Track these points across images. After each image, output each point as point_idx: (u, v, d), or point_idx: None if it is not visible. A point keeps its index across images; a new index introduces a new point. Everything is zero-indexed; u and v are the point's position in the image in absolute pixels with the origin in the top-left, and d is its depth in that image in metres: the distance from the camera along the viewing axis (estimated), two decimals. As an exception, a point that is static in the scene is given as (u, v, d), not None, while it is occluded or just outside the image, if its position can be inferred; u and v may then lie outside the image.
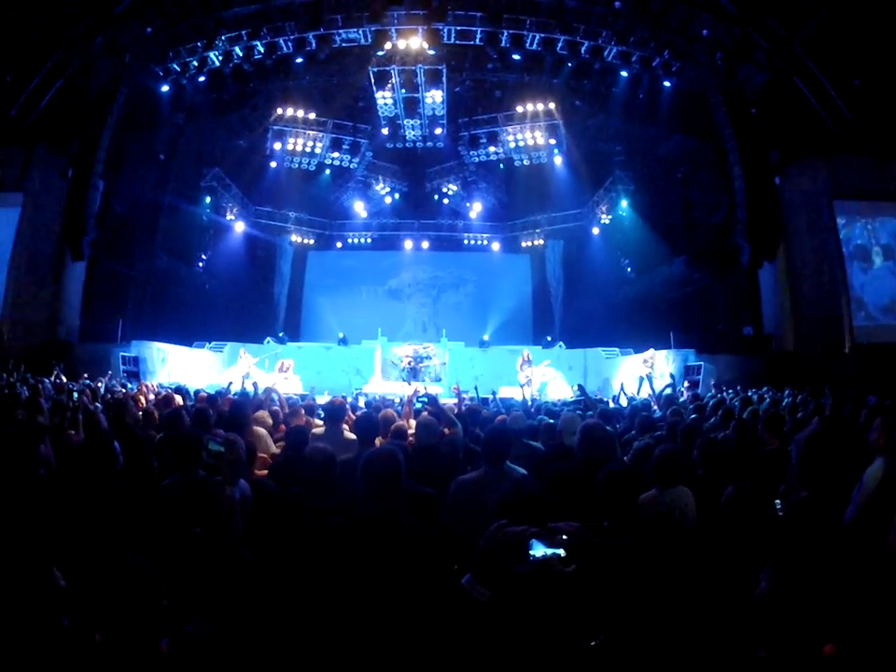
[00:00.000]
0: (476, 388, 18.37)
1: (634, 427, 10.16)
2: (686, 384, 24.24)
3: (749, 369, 25.81)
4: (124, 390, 16.47)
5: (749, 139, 28.30)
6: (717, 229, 30.30)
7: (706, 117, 29.03)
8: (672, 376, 23.12)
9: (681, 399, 16.34)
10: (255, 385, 15.22)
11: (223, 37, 23.94)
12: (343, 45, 25.46)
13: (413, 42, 25.32)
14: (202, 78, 25.45)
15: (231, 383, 18.33)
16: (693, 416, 10.84)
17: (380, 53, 26.01)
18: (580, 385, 18.91)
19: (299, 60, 25.76)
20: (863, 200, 29.43)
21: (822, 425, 7.66)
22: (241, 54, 24.58)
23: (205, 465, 5.70)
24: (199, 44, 24.09)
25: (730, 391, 18.68)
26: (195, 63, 24.65)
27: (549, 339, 33.29)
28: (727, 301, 31.03)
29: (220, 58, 24.57)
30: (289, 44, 24.68)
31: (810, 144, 27.91)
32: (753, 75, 27.79)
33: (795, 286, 29.20)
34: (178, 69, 24.63)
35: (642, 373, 25.38)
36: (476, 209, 35.91)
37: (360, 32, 25.03)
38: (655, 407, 14.10)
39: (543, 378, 28.73)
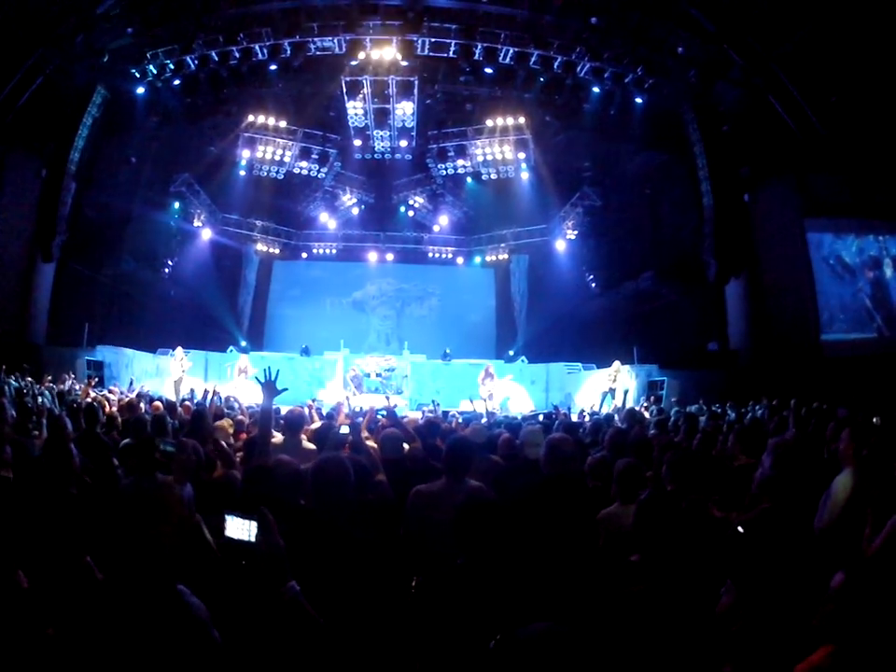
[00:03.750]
0: (434, 402, 19.23)
1: (599, 441, 10.41)
2: (644, 399, 25.55)
3: (714, 384, 26.41)
4: (91, 395, 16.66)
5: (720, 156, 29.49)
6: (684, 245, 31.35)
7: (677, 133, 30.37)
8: (612, 392, 25.43)
9: (645, 414, 17.13)
10: (214, 392, 15.80)
11: (200, 41, 24.77)
12: (318, 53, 26.37)
13: (387, 53, 26.34)
14: (177, 82, 26.26)
15: (192, 390, 19.40)
16: (652, 431, 11.54)
17: (353, 63, 26.81)
18: (555, 406, 19.98)
19: (273, 67, 26.47)
20: (835, 217, 30.52)
21: (794, 435, 8.74)
22: (217, 59, 25.38)
23: (164, 467, 6.19)
24: (176, 47, 24.90)
25: (694, 406, 19.60)
26: (171, 66, 25.43)
27: (511, 353, 35.01)
28: (693, 316, 32.01)
29: (196, 62, 25.28)
30: (265, 50, 25.49)
31: (782, 161, 29.00)
32: (727, 91, 28.91)
33: (763, 301, 30.34)
34: (155, 72, 25.42)
35: (605, 388, 26.43)
36: (442, 222, 37.11)
37: (335, 41, 25.99)
38: (617, 421, 14.25)
39: (505, 392, 29.72)
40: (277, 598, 3.46)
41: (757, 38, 26.81)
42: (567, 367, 31.75)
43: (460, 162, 33.45)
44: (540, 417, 17.00)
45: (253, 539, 3.52)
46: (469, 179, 35.12)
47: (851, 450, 6.43)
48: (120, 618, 3.32)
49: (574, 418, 18.90)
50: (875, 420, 11.74)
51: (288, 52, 25.93)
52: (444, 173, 34.34)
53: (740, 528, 4.54)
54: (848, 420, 9.12)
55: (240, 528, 3.57)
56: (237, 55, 25.48)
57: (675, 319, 32.44)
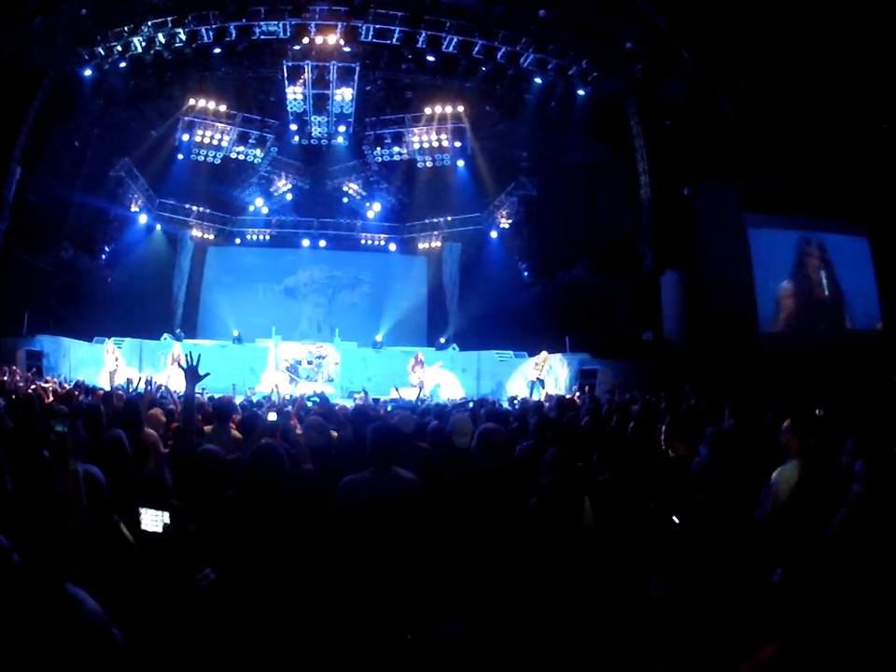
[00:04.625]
0: (364, 389, 20.03)
1: (525, 428, 10.30)
2: (576, 387, 25.05)
3: (648, 373, 26.68)
4: (32, 386, 16.71)
5: (662, 150, 29.95)
6: (620, 236, 31.74)
7: (618, 126, 30.71)
8: (540, 381, 26.21)
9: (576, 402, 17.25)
10: (149, 381, 16.04)
11: (150, 23, 24.66)
12: (262, 37, 26.35)
13: (331, 38, 26.49)
14: (123, 64, 25.93)
15: (129, 380, 19.12)
16: (586, 419, 11.45)
17: (296, 48, 26.96)
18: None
19: (217, 50, 26.45)
20: (774, 213, 31.22)
21: (732, 425, 9.04)
22: (163, 41, 25.26)
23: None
24: (126, 28, 24.78)
25: (626, 395, 19.17)
26: (119, 48, 25.27)
27: (443, 341, 35.29)
28: (627, 306, 32.58)
29: (144, 44, 25.14)
30: (210, 33, 25.43)
31: (725, 157, 29.51)
32: (674, 87, 29.10)
33: (701, 293, 30.83)
34: (103, 54, 25.14)
35: (533, 377, 27.21)
36: (375, 209, 37.12)
37: (280, 25, 25.97)
38: (547, 409, 14.35)
39: (436, 380, 30.19)
40: (192, 586, 3.57)
41: (708, 36, 27.00)
42: (498, 355, 32.05)
43: (396, 150, 33.87)
44: (470, 405, 16.58)
45: (167, 530, 3.61)
46: (403, 167, 35.37)
47: (795, 441, 6.57)
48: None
49: (505, 405, 19.28)
50: (817, 412, 11.57)
51: (233, 36, 25.82)
52: (380, 160, 34.64)
53: (676, 519, 4.79)
54: (789, 411, 9.06)
55: (153, 520, 3.68)
56: (183, 38, 25.41)
57: (609, 309, 33.20)
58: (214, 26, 25.32)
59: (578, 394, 22.52)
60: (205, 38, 25.64)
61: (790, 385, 20.35)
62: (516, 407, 17.20)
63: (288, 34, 26.35)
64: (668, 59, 28.14)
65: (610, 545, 4.74)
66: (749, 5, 24.93)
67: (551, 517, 4.68)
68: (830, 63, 25.56)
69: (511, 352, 31.99)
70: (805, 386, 19.26)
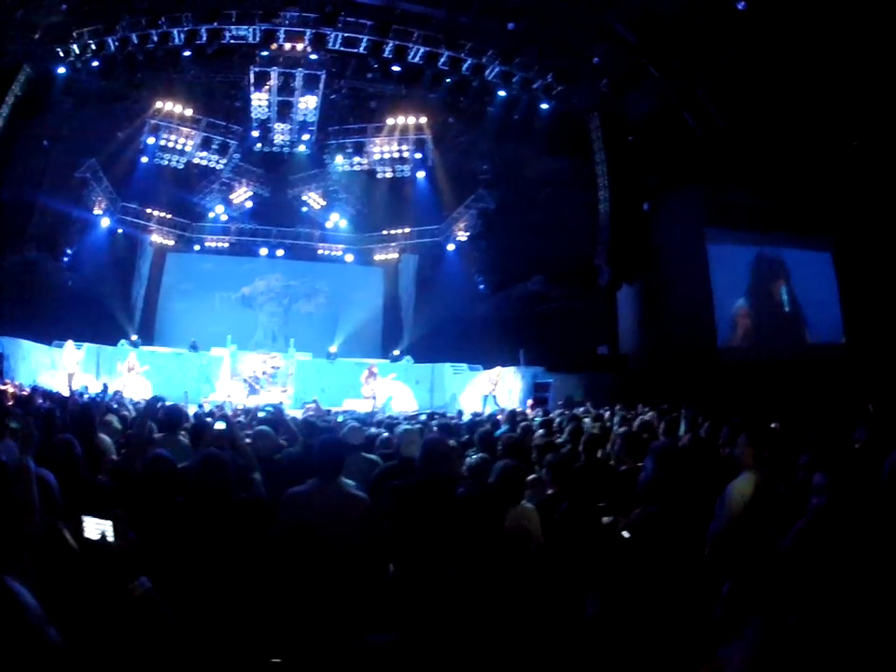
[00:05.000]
0: (315, 399, 19.72)
1: (475, 442, 10.54)
2: (530, 401, 25.58)
3: (603, 387, 26.90)
4: None
5: (622, 164, 30.48)
6: (578, 250, 32.10)
7: (580, 140, 31.29)
8: (493, 396, 26.55)
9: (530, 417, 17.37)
10: (104, 387, 16.93)
11: (125, 22, 24.52)
12: (232, 42, 26.45)
13: (299, 45, 26.81)
14: (95, 63, 25.73)
15: (86, 386, 20.20)
16: (540, 432, 11.31)
17: (264, 53, 27.11)
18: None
19: (187, 53, 26.37)
20: (735, 228, 31.85)
21: (674, 439, 9.17)
22: (136, 41, 25.16)
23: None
24: (101, 26, 24.61)
25: (580, 408, 19.43)
26: (94, 47, 25.08)
27: (397, 353, 35.65)
28: (583, 320, 32.77)
29: (117, 43, 24.96)
30: (182, 35, 25.51)
31: (686, 172, 30.09)
32: (640, 102, 29.87)
33: (658, 308, 31.54)
34: (78, 52, 25.02)
35: (486, 391, 27.71)
36: (334, 219, 37.27)
37: (251, 30, 26.11)
38: (503, 422, 14.54)
39: (389, 392, 30.03)
40: (127, 594, 3.60)
41: (676, 52, 27.51)
42: (453, 367, 32.51)
43: (357, 160, 34.13)
44: (422, 417, 17.20)
45: (109, 539, 3.70)
46: (364, 177, 35.57)
47: (750, 454, 6.67)
48: None
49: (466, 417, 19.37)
50: (773, 425, 11.93)
51: (204, 39, 25.94)
52: (340, 169, 34.74)
53: (625, 533, 4.99)
54: (744, 425, 9.33)
55: (96, 529, 3.75)
56: (156, 39, 25.31)
57: (564, 323, 33.18)
58: (186, 28, 25.38)
59: (531, 407, 23.50)
60: (177, 40, 25.65)
61: (748, 399, 21.08)
62: (470, 420, 17.22)
63: (258, 39, 26.48)
64: (635, 74, 28.61)
65: (555, 559, 5.03)
66: (717, 22, 25.23)
67: (490, 527, 4.92)
68: (798, 79, 26.26)
69: (465, 365, 32.38)
70: (764, 400, 19.86)
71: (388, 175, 34.70)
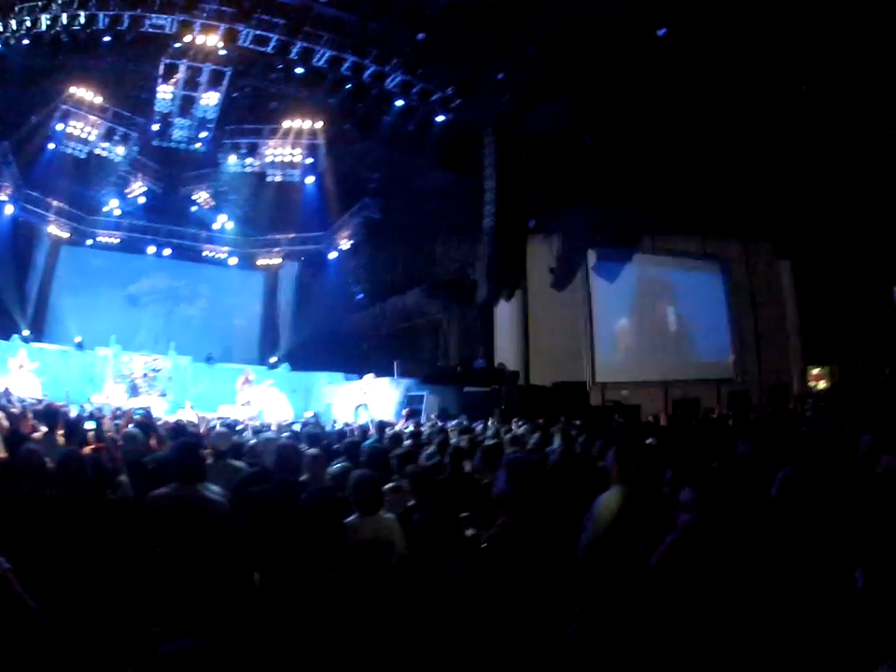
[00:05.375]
0: (190, 405, 22.21)
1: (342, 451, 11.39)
2: (405, 411, 27.80)
3: (479, 401, 29.62)
4: None
5: (512, 181, 33.05)
6: (457, 264, 35.38)
7: (471, 155, 33.79)
8: (364, 405, 28.76)
9: (399, 428, 18.99)
10: None
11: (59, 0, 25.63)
12: (150, 30, 27.35)
13: (211, 39, 27.94)
14: (26, 41, 26.89)
15: None
16: (406, 443, 12.39)
17: (177, 45, 28.50)
18: (315, 413, 23.54)
19: (107, 38, 27.29)
20: (621, 248, 36.07)
21: (534, 452, 9.86)
22: (65, 22, 26.19)
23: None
24: (40, 2, 25.66)
25: (453, 422, 20.98)
26: (28, 24, 26.18)
27: (274, 360, 37.74)
28: (460, 334, 36.04)
29: (49, 22, 26.01)
30: (107, 19, 26.28)
31: (577, 191, 33.17)
32: (538, 120, 32.72)
33: (538, 324, 34.99)
34: (14, 28, 26.22)
35: (359, 402, 30.16)
36: (221, 220, 39.11)
37: (169, 20, 27.22)
38: (373, 432, 16.38)
39: (265, 399, 32.06)
40: None
41: (586, 72, 30.04)
42: (329, 377, 34.50)
43: (249, 161, 36.11)
44: (296, 426, 19.08)
45: None
46: (254, 179, 37.46)
47: (617, 469, 7.23)
48: None
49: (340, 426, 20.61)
50: (648, 441, 12.78)
51: (126, 25, 26.65)
52: (232, 170, 36.55)
53: (484, 545, 5.45)
54: (615, 439, 10.08)
55: None
56: (83, 20, 26.14)
57: (441, 336, 36.39)
58: (111, 12, 26.08)
59: (403, 419, 25.62)
60: (101, 24, 26.24)
61: (625, 414, 24.28)
62: (340, 429, 18.35)
63: (174, 29, 27.40)
64: (537, 92, 31.41)
65: (418, 571, 5.30)
66: (627, 44, 28.21)
67: (332, 534, 5.52)
68: (698, 106, 29.86)
69: (341, 374, 34.47)
70: (637, 415, 22.39)
71: (278, 178, 36.69)
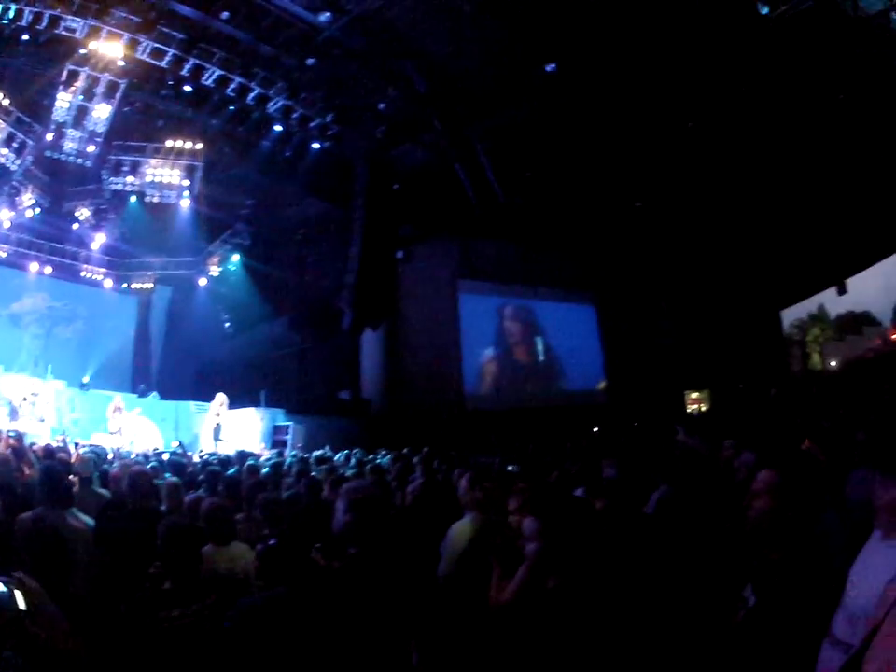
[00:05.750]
0: (63, 431, 23.65)
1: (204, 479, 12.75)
2: (263, 444, 30.99)
3: (345, 431, 32.40)
4: None
5: (382, 211, 36.71)
6: (324, 293, 38.67)
7: (344, 184, 37.34)
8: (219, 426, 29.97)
9: (263, 458, 20.25)
10: None
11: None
12: (64, 32, 29.55)
13: (114, 48, 30.14)
14: None
15: None
16: (264, 471, 13.98)
17: (82, 52, 30.77)
18: (180, 442, 25.27)
19: (26, 37, 29.54)
20: (490, 281, 40.17)
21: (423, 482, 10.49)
22: None
23: None
24: None
25: (318, 452, 22.91)
26: None
27: (144, 387, 39.03)
28: (326, 364, 39.51)
29: None
30: (30, 16, 28.25)
31: (447, 224, 37.28)
32: (413, 152, 36.67)
33: (405, 354, 38.67)
34: None
35: (213, 423, 32.16)
36: (100, 240, 40.87)
37: (82, 23, 29.23)
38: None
39: (135, 427, 33.82)
40: None
41: (466, 107, 34.28)
42: (197, 406, 36.54)
43: (130, 179, 38.28)
44: (165, 456, 20.28)
45: None
46: (132, 198, 39.53)
47: (470, 496, 8.15)
48: None
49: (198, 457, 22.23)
50: (510, 468, 14.32)
51: (44, 24, 28.68)
52: (113, 188, 38.58)
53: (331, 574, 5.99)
54: (473, 468, 10.88)
55: None
56: (11, 15, 28.09)
57: (308, 365, 39.71)
58: (34, 10, 28.12)
59: (266, 448, 28.72)
60: (23, 21, 28.31)
61: (494, 443, 26.68)
62: (203, 459, 20.09)
63: (84, 34, 29.54)
64: (415, 124, 35.07)
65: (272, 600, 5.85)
66: (511, 82, 32.47)
67: (189, 562, 6.52)
68: (575, 143, 34.28)
69: (208, 404, 35.51)
70: (509, 445, 24.75)
71: (156, 199, 38.96)
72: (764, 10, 25.75)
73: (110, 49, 30.60)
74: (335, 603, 5.62)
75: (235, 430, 34.14)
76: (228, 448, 28.90)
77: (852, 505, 7.34)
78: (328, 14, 30.32)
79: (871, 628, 3.21)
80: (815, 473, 5.28)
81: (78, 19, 29.64)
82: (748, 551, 5.50)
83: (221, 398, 33.16)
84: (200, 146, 37.92)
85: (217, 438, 31.61)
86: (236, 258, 43.08)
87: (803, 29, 26.29)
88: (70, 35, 30.23)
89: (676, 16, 27.94)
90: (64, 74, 31.96)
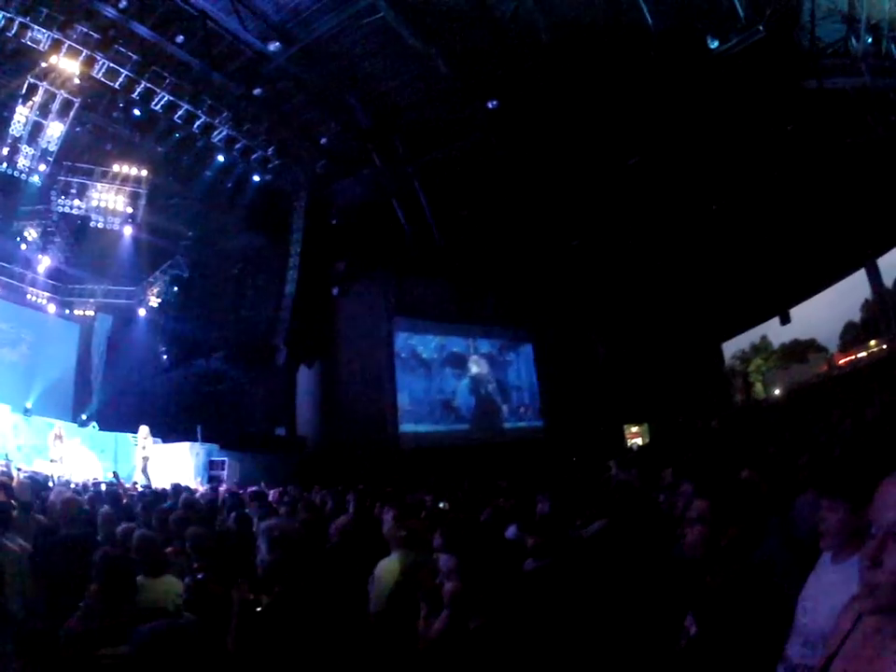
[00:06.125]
0: (6, 456, 24.21)
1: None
2: (199, 479, 31.78)
3: (280, 467, 33.53)
4: None
5: (319, 247, 38.01)
6: (259, 329, 39.60)
7: (282, 219, 38.55)
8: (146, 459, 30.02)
9: (200, 493, 20.73)
10: None
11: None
12: (29, 43, 30.71)
13: (72, 65, 31.41)
14: None
15: None
16: (168, 504, 14.30)
17: (43, 65, 31.82)
18: (115, 473, 25.61)
19: None
20: (421, 318, 41.64)
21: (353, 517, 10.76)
22: None
23: None
24: None
25: (254, 487, 23.06)
26: None
27: (84, 417, 39.39)
28: (262, 399, 40.24)
29: None
30: (3, 21, 29.71)
31: (383, 261, 38.54)
32: (352, 187, 37.94)
33: (341, 392, 39.75)
34: None
35: (140, 456, 31.92)
36: (45, 263, 40.63)
37: (47, 34, 30.43)
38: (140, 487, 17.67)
39: (75, 456, 33.96)
40: None
41: (407, 144, 35.89)
42: (134, 438, 35.39)
43: (77, 203, 39.28)
44: (103, 487, 20.99)
45: None
46: (80, 223, 40.32)
47: (395, 532, 8.44)
48: None
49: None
50: (441, 505, 14.74)
51: (13, 31, 29.95)
52: (61, 210, 39.40)
53: (258, 609, 6.11)
54: (409, 504, 11.22)
55: None
56: None
57: (243, 401, 40.42)
58: (8, 15, 29.54)
59: (202, 483, 29.36)
60: None
61: (426, 481, 26.41)
62: (140, 492, 20.59)
63: (47, 46, 30.74)
64: (356, 159, 36.51)
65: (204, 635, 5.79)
66: (453, 119, 34.15)
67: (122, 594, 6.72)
68: (513, 181, 35.98)
69: None
70: (439, 481, 24.77)
71: (100, 224, 40.12)
72: (714, 44, 26.72)
73: (69, 65, 32.05)
74: (255, 637, 5.88)
75: (170, 464, 34.47)
76: (156, 481, 29.63)
77: (799, 531, 7.77)
78: (277, 44, 31.69)
79: (830, 652, 3.37)
80: (750, 501, 5.56)
81: (44, 30, 30.87)
82: (687, 580, 5.72)
83: (144, 430, 33.03)
84: (145, 172, 39.67)
85: (144, 471, 31.61)
86: (175, 289, 43.93)
87: (752, 62, 27.80)
88: (35, 46, 31.46)
89: (620, 56, 29.83)
90: (24, 86, 33.42)
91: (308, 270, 40.05)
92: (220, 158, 38.11)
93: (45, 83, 33.49)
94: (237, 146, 37.45)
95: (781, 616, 4.48)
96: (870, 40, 27.40)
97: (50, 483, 20.73)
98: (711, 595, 4.94)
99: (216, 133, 36.46)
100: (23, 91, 33.71)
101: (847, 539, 4.40)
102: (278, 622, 5.86)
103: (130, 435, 35.54)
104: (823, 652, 3.57)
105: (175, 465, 34.29)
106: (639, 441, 47.22)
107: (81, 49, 31.70)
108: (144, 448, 32.19)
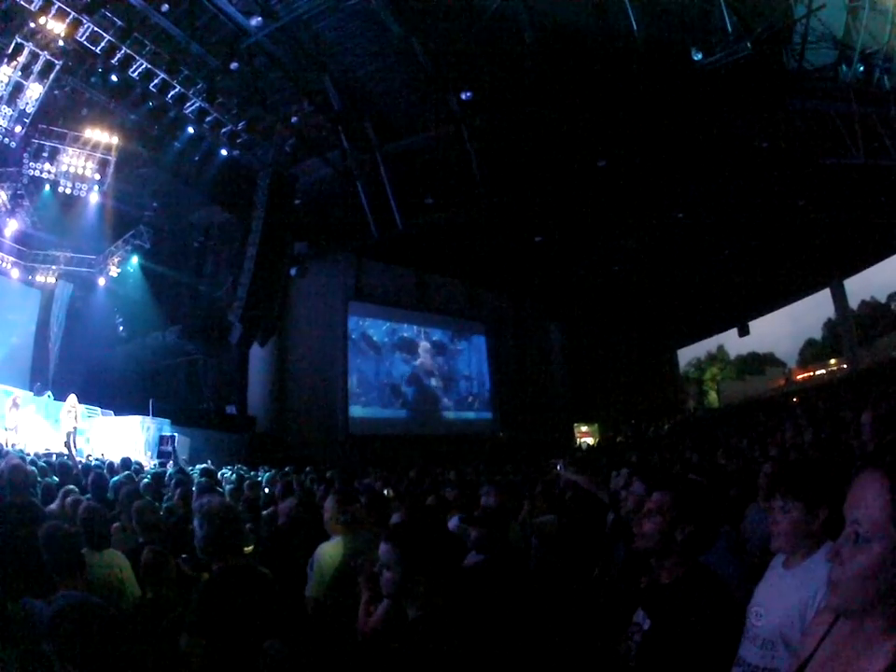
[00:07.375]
0: None
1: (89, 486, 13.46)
2: (149, 453, 32.46)
3: (229, 446, 35.49)
4: None
5: (280, 226, 39.59)
6: (216, 305, 41.77)
7: (247, 194, 40.37)
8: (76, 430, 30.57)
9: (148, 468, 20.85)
10: None
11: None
12: (19, 2, 31.24)
13: (58, 26, 31.96)
14: None
15: None
16: (145, 481, 14.71)
17: (31, 25, 32.35)
18: (66, 444, 26.85)
19: None
20: (377, 303, 44.49)
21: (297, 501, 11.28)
22: None
23: None
24: None
25: (201, 465, 24.02)
26: None
27: (39, 385, 39.38)
28: (215, 377, 42.72)
29: None
30: None
31: (343, 244, 41.33)
32: (319, 168, 40.26)
33: (292, 372, 42.34)
34: None
35: (69, 427, 31.76)
36: (12, 227, 41.50)
37: None
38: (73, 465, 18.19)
39: (30, 426, 34.58)
40: None
41: (375, 128, 38.30)
42: (88, 410, 36.60)
43: (47, 167, 40.52)
44: (53, 458, 21.34)
45: None
46: (47, 187, 41.40)
47: (336, 518, 8.73)
48: None
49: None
50: (385, 492, 15.51)
51: None
52: (31, 173, 40.62)
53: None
54: (352, 489, 11.47)
55: None
56: None
57: (197, 377, 42.90)
58: None
59: (150, 456, 30.40)
60: None
61: (372, 464, 28.60)
62: (86, 464, 20.65)
63: (38, 7, 31.26)
64: (324, 141, 38.82)
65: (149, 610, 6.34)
66: (425, 106, 36.35)
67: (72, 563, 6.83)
68: (479, 173, 38.24)
69: (98, 409, 37.48)
70: (386, 464, 26.33)
71: (68, 190, 41.37)
72: (697, 56, 28.74)
73: (55, 26, 33.01)
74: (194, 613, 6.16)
75: (119, 438, 35.39)
76: (87, 456, 29.01)
77: (749, 540, 8.41)
78: (259, 19, 33.64)
79: (804, 658, 3.29)
80: (706, 498, 5.59)
81: (35, -12, 28.85)
82: (636, 577, 6.04)
83: (72, 400, 33.28)
84: (115, 140, 40.99)
85: (67, 445, 30.39)
86: (135, 260, 45.34)
87: (736, 77, 29.84)
88: (26, 5, 32.58)
89: (601, 60, 32.17)
90: (11, 46, 34.52)
91: (268, 248, 40.41)
92: (190, 129, 39.57)
93: (30, 44, 34.06)
94: (208, 118, 38.49)
95: (733, 616, 4.82)
96: (861, 69, 29.61)
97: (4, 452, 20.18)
98: (663, 591, 5.26)
99: (188, 104, 37.41)
100: (10, 50, 34.30)
101: (798, 541, 4.78)
102: (216, 598, 6.34)
103: (84, 407, 35.99)
104: (786, 656, 4.08)
105: (124, 439, 35.51)
106: (590, 440, 50.33)
107: (69, 11, 32.30)
108: (74, 419, 32.62)
